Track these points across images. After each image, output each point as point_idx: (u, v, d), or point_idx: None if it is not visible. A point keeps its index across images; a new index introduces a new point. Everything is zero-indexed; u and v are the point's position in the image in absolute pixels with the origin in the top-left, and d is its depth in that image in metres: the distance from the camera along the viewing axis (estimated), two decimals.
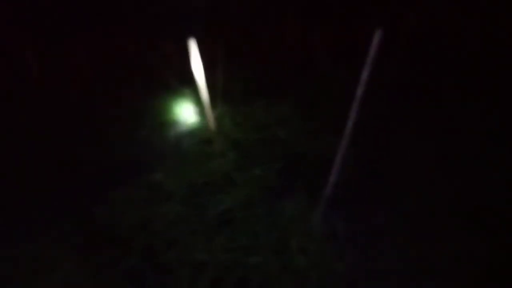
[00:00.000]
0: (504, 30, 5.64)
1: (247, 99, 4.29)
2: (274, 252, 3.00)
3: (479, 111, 4.58)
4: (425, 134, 4.37)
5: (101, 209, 3.33)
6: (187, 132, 3.83)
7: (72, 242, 3.27)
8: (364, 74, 3.53)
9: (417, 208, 3.64)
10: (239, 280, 2.86)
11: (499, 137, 4.28)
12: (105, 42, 5.22)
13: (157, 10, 5.42)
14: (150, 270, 3.07)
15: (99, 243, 3.22)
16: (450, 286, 3.04)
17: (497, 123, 4.47)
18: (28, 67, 5.21)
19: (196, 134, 3.75)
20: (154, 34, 5.30)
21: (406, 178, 3.92)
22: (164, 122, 4.07)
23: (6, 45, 5.34)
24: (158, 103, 4.41)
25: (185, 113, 4.19)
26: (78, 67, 5.33)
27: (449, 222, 3.49)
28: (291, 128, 4.05)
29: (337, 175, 3.69)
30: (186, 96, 4.36)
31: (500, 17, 5.73)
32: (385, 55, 3.75)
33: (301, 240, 3.12)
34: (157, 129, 4.04)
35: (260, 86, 4.67)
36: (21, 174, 3.88)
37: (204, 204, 3.19)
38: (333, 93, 4.24)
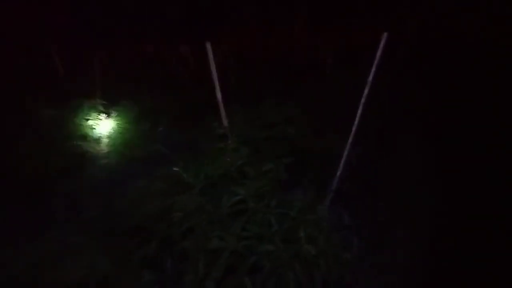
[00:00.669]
0: (510, 33, 5.74)
1: (258, 99, 4.45)
2: (284, 241, 3.14)
3: (481, 113, 4.70)
4: (427, 134, 4.51)
5: (122, 200, 3.47)
6: (203, 129, 4.00)
7: (94, 231, 3.44)
8: (369, 75, 3.68)
9: (414, 201, 3.77)
10: (252, 267, 3.00)
11: (503, 140, 4.38)
12: (126, 43, 5.43)
13: (172, 14, 5.61)
14: (168, 257, 3.22)
15: (120, 231, 3.38)
16: (450, 278, 3.16)
17: (500, 125, 4.59)
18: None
19: (212, 131, 3.91)
20: (172, 36, 5.48)
21: (408, 174, 4.05)
22: (181, 119, 4.23)
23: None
24: (174, 101, 4.59)
25: (201, 111, 4.36)
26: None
27: (447, 216, 3.64)
28: (299, 126, 4.20)
29: (343, 170, 3.84)
30: (201, 96, 4.53)
31: (506, 20, 5.83)
32: (390, 57, 3.91)
33: (310, 230, 3.25)
34: (175, 125, 4.19)
35: (270, 87, 4.83)
36: (46, 165, 4.03)
37: (219, 195, 3.33)
38: (339, 93, 4.39)
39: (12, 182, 3.87)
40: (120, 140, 4.17)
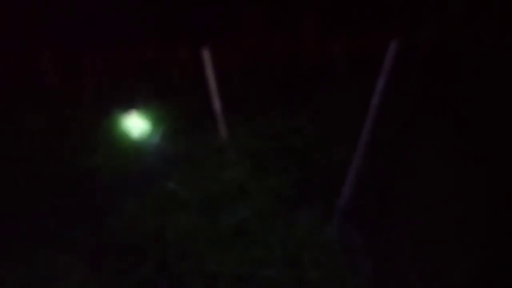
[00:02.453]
0: None
1: (262, 107, 4.21)
2: (287, 265, 2.91)
3: (495, 124, 4.43)
4: (440, 146, 4.24)
5: (114, 217, 3.27)
6: (202, 141, 3.76)
7: (85, 250, 3.23)
8: (380, 84, 3.45)
9: (432, 220, 3.51)
10: None
11: None
12: (122, 47, 5.22)
13: (173, 18, 5.41)
14: (163, 280, 3.01)
15: (112, 251, 3.17)
16: None
17: None
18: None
19: (210, 143, 3.67)
20: (170, 41, 5.28)
21: (421, 190, 3.78)
22: (178, 130, 4.02)
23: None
24: (171, 110, 4.37)
25: (200, 120, 4.14)
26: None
27: (464, 235, 3.34)
28: (306, 137, 3.94)
29: (352, 186, 3.58)
30: (201, 104, 4.31)
31: None
32: (401, 66, 3.68)
33: (315, 253, 3.01)
34: (170, 137, 3.99)
35: (276, 96, 4.59)
36: (35, 180, 3.87)
37: (218, 214, 3.10)
38: (349, 103, 4.12)
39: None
40: (114, 152, 3.97)
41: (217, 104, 3.24)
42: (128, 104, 4.44)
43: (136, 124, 4.11)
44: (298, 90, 4.77)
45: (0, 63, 5.07)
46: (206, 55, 3.00)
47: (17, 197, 3.71)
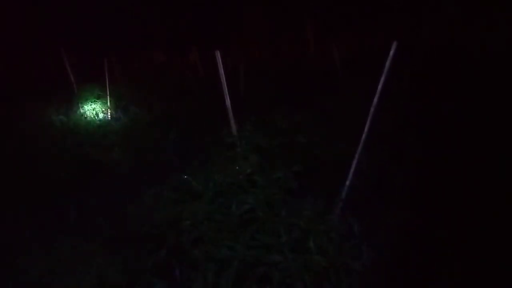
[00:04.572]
0: None
1: (268, 106, 4.31)
2: (294, 251, 2.98)
3: (491, 120, 4.48)
4: (440, 141, 4.31)
5: (132, 207, 3.38)
6: (213, 136, 3.88)
7: (105, 237, 3.34)
8: (380, 84, 3.52)
9: (431, 210, 3.57)
10: (261, 277, 2.85)
11: None
12: (137, 51, 5.37)
13: (184, 23, 5.53)
14: (178, 265, 3.10)
15: (130, 238, 3.28)
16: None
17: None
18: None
19: (221, 139, 3.78)
20: (182, 45, 5.41)
21: (420, 182, 3.86)
22: (191, 127, 4.13)
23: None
24: (184, 109, 4.48)
25: (211, 118, 4.25)
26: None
27: (464, 225, 3.40)
28: (309, 133, 4.04)
29: (353, 178, 3.67)
30: (211, 103, 4.42)
31: None
32: (400, 65, 3.75)
33: (320, 239, 3.09)
34: (185, 132, 4.10)
35: (280, 94, 4.69)
36: (58, 173, 3.99)
37: (228, 204, 3.20)
38: (350, 100, 4.22)
39: (24, 188, 3.82)
40: (131, 147, 4.09)
41: (228, 102, 3.35)
42: (144, 103, 4.59)
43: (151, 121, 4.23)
44: (301, 90, 4.88)
45: (27, 64, 5.22)
46: (218, 57, 3.11)
47: (41, 189, 3.82)
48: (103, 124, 4.72)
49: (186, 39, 5.38)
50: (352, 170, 3.40)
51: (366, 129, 3.28)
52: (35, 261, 3.27)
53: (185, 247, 3.10)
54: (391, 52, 3.43)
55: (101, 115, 4.91)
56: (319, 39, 5.47)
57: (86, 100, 5.12)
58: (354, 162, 3.42)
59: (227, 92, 3.34)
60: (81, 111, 4.86)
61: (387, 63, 3.39)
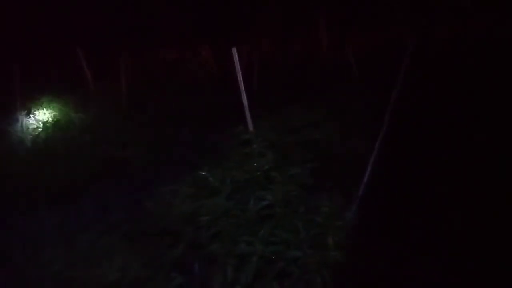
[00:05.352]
0: None
1: (283, 103, 4.28)
2: (312, 247, 2.97)
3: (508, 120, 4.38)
4: (457, 139, 4.23)
5: (152, 203, 3.39)
6: (228, 133, 3.87)
7: (125, 233, 3.36)
8: (398, 81, 3.48)
9: (446, 207, 3.51)
10: (280, 272, 2.85)
11: None
12: (150, 48, 5.38)
13: (198, 19, 5.52)
14: (196, 260, 3.10)
15: (149, 234, 3.29)
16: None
17: None
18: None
19: (237, 135, 3.77)
20: (195, 41, 5.40)
21: (436, 179, 3.79)
22: (205, 123, 4.12)
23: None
24: (198, 105, 4.48)
25: (224, 115, 4.24)
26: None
27: (486, 222, 3.32)
28: (325, 130, 4.01)
29: (369, 175, 3.64)
30: (224, 100, 4.41)
31: None
32: (417, 63, 3.69)
33: (338, 235, 3.07)
34: (200, 129, 4.09)
35: (294, 91, 4.65)
36: (78, 170, 4.01)
37: (246, 200, 3.20)
38: (366, 96, 4.17)
39: (44, 185, 3.85)
40: (147, 144, 4.10)
41: (244, 99, 3.33)
42: (158, 100, 4.59)
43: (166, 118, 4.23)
44: (316, 87, 4.83)
45: (41, 63, 5.29)
46: (235, 54, 3.09)
47: (62, 186, 3.86)
48: (118, 121, 4.75)
49: (198, 35, 5.36)
50: (369, 166, 3.37)
51: (384, 127, 3.24)
52: (57, 255, 3.30)
53: (203, 243, 3.11)
54: (408, 49, 3.39)
55: (116, 113, 4.94)
56: (333, 34, 5.40)
57: (102, 97, 5.16)
58: (372, 158, 3.39)
59: (243, 89, 3.32)
60: (97, 108, 4.91)
61: (404, 60, 3.36)
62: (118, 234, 3.41)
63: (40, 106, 5.63)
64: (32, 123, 5.46)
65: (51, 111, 5.53)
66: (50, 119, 5.44)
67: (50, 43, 6.02)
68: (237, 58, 3.22)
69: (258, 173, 3.37)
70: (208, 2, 5.48)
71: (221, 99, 4.68)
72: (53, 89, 5.23)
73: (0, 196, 3.84)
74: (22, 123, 5.23)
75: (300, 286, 2.76)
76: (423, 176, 3.85)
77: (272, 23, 5.45)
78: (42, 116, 5.60)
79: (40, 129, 5.20)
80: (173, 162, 3.84)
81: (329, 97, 4.62)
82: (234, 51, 3.14)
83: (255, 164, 3.40)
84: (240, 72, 3.26)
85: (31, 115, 5.67)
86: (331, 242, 3.01)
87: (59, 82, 5.16)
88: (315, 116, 4.21)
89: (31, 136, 4.96)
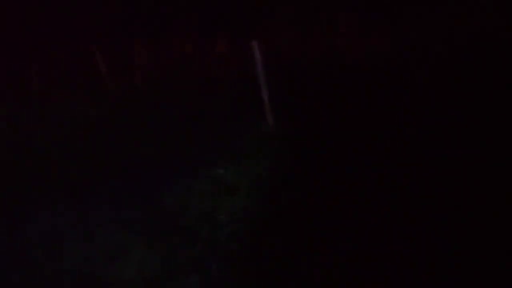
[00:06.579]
0: None
1: (301, 98, 4.11)
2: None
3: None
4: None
5: (169, 200, 3.30)
6: (247, 128, 3.73)
7: (142, 231, 3.28)
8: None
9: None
10: (301, 276, 2.71)
11: None
12: (166, 42, 5.28)
13: (215, 13, 5.38)
14: (214, 259, 3.00)
15: (166, 232, 3.20)
16: None
17: None
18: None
19: (256, 131, 3.63)
20: (214, 35, 5.26)
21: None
22: (223, 118, 4.00)
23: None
24: (215, 100, 4.35)
25: (242, 110, 4.11)
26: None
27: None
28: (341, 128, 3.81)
29: None
30: (242, 94, 4.28)
31: None
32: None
33: None
34: (217, 124, 3.97)
35: (311, 86, 4.47)
36: (97, 166, 3.93)
37: (265, 197, 3.06)
38: (383, 94, 3.93)
39: (59, 182, 3.80)
40: (163, 141, 4.00)
41: (265, 93, 3.18)
42: (174, 95, 4.49)
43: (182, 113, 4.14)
44: (334, 83, 4.63)
45: (60, 58, 5.25)
46: (256, 48, 2.93)
47: (80, 182, 3.80)
48: (134, 115, 4.68)
49: (215, 27, 5.21)
50: None
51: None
52: (74, 251, 3.25)
53: (221, 242, 3.01)
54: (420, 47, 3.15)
55: (133, 107, 4.87)
56: (355, 33, 5.17)
57: (116, 92, 5.10)
58: None
59: (264, 84, 3.17)
60: (115, 102, 4.85)
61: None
62: (134, 231, 3.34)
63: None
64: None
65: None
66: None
67: (65, 38, 5.97)
68: (258, 52, 3.06)
69: (277, 170, 3.22)
70: None
71: (238, 92, 4.54)
72: (69, 84, 5.20)
73: (16, 190, 3.82)
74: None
75: None
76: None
77: (294, 16, 5.26)
78: None
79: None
80: (190, 158, 3.74)
81: (346, 94, 4.43)
82: (255, 45, 2.98)
83: (274, 160, 3.25)
84: (261, 67, 3.10)
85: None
86: None
87: (74, 77, 5.11)
88: (332, 113, 4.02)
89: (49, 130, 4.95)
